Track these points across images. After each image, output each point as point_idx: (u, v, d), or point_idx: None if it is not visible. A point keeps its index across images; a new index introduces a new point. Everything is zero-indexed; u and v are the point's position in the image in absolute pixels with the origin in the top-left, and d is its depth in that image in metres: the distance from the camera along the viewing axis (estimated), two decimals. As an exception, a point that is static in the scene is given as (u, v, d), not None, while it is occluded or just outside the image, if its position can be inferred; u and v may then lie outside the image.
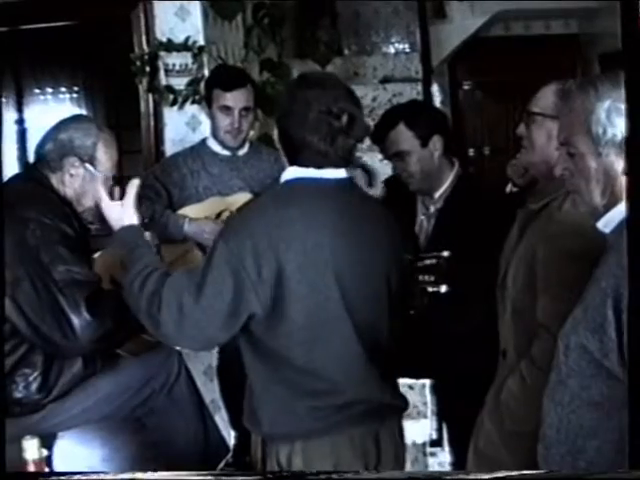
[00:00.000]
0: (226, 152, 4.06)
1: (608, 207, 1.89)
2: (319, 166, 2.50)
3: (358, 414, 2.51)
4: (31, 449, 2.32)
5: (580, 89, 1.94)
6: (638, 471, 1.73)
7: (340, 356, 2.49)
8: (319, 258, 2.43)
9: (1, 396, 2.71)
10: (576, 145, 1.91)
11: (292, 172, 2.56)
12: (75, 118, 3.39)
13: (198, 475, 2.23)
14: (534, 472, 1.98)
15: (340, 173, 2.55)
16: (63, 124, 3.26)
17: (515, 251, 2.69)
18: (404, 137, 3.46)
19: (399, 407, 2.69)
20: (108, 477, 2.02)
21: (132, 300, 2.57)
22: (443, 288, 3.01)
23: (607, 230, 1.90)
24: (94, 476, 2.10)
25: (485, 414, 2.74)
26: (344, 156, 2.53)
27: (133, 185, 2.83)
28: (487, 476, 2.02)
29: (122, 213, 2.79)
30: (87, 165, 3.19)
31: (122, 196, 3.21)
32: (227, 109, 3.94)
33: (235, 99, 3.94)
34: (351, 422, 2.50)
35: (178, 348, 3.24)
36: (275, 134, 2.61)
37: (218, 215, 3.97)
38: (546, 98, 2.72)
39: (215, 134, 4.04)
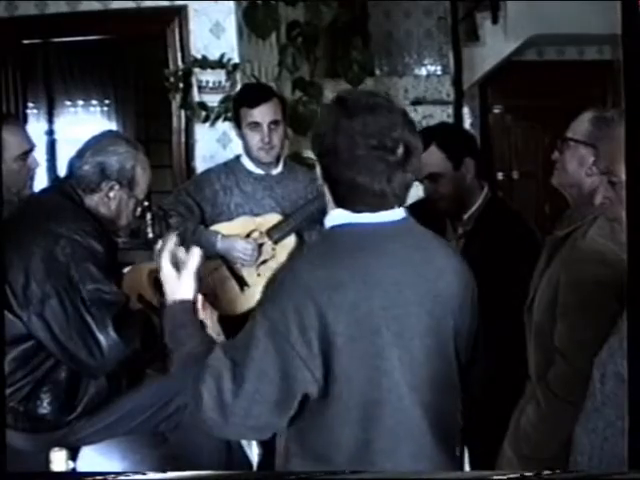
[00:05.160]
0: (260, 171, 4.06)
1: (648, 235, 1.88)
2: (374, 209, 2.11)
3: None
4: (59, 461, 2.33)
5: (622, 117, 1.92)
6: (638, 471, 1.71)
7: (401, 438, 2.12)
8: (371, 326, 2.03)
9: (2, 400, 2.71)
10: (618, 174, 1.90)
11: (339, 217, 2.15)
12: (111, 138, 3.33)
13: (206, 475, 2.21)
14: (535, 472, 1.96)
15: (397, 214, 2.15)
16: (101, 145, 3.24)
17: (542, 277, 2.68)
18: (437, 159, 3.43)
19: None
20: (121, 478, 2.00)
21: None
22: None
23: (647, 258, 1.88)
24: (99, 477, 2.08)
25: (506, 440, 2.72)
26: (402, 194, 2.13)
27: (195, 255, 2.34)
28: (485, 476, 2.01)
29: (178, 286, 2.30)
30: (125, 189, 3.22)
31: (143, 211, 3.25)
32: (256, 125, 3.94)
33: (262, 114, 3.94)
34: None
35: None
36: (317, 171, 2.19)
37: (247, 236, 3.97)
38: (581, 124, 2.72)
39: (248, 153, 4.04)
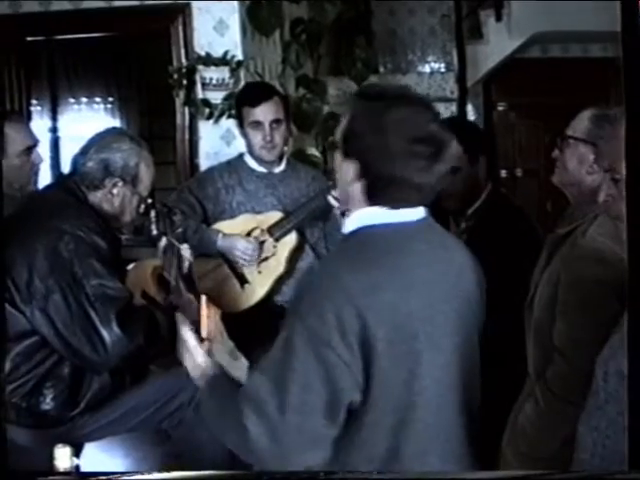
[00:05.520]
0: (262, 169, 4.06)
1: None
2: (413, 204, 2.09)
3: None
4: (63, 458, 2.32)
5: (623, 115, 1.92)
6: (638, 471, 1.71)
7: (430, 440, 2.08)
8: (410, 330, 1.99)
9: (2, 398, 2.71)
10: (621, 171, 1.89)
11: (372, 216, 2.09)
12: (115, 135, 3.33)
13: (209, 475, 2.22)
14: (535, 472, 1.96)
15: (419, 212, 2.12)
16: (104, 141, 3.24)
17: (543, 274, 2.68)
18: (457, 154, 3.41)
19: None
20: (124, 478, 2.01)
21: (214, 425, 2.16)
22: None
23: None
24: (102, 477, 2.09)
25: (504, 437, 2.71)
26: (437, 187, 2.10)
27: (186, 331, 2.30)
28: (488, 476, 2.01)
29: (194, 361, 2.25)
30: (129, 185, 3.22)
31: (147, 208, 3.25)
32: (257, 124, 3.94)
33: (263, 113, 3.94)
34: None
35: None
36: (349, 169, 2.09)
37: (249, 233, 3.98)
38: (580, 122, 2.74)
39: (251, 152, 4.04)
